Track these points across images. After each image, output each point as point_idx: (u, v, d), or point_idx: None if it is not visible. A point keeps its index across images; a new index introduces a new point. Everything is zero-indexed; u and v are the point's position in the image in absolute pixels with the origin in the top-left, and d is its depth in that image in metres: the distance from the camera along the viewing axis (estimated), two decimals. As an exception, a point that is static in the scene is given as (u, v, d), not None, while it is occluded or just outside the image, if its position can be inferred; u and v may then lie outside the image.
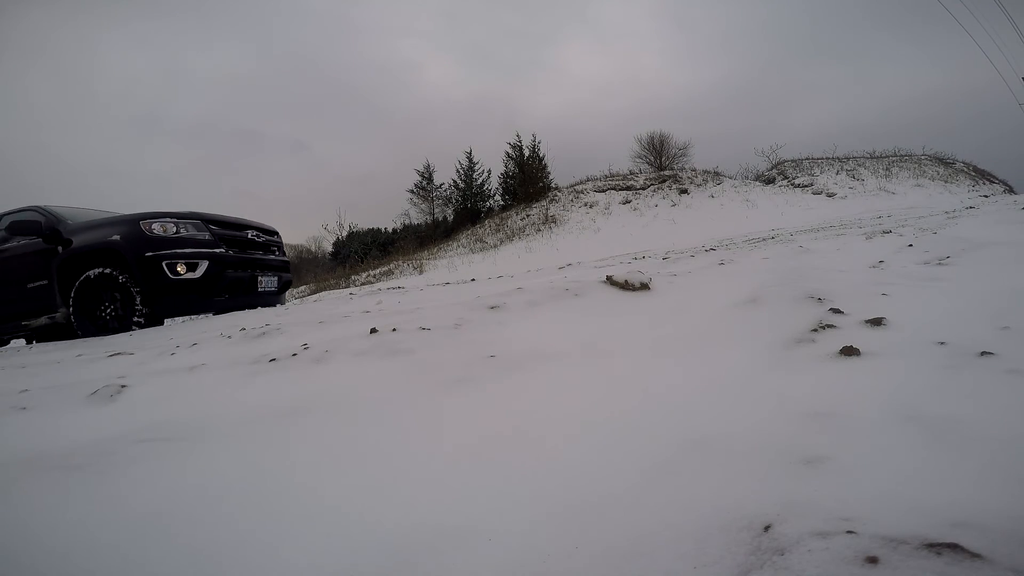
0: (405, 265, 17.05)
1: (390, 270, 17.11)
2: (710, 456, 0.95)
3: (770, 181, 18.95)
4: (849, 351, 1.28)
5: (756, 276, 2.27)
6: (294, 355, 1.71)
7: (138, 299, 4.13)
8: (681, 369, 1.41)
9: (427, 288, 3.60)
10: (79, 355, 2.45)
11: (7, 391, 1.64)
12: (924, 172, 17.57)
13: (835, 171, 18.05)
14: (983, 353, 1.17)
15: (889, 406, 1.01)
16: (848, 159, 19.09)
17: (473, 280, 4.14)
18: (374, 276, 16.65)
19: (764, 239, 5.90)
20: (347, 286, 15.24)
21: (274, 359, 1.70)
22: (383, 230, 26.34)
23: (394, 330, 1.86)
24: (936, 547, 0.57)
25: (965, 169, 18.26)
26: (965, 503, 0.68)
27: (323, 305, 4.01)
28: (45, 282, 4.17)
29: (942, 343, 1.28)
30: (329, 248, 27.52)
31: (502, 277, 3.63)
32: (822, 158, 19.50)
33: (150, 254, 4.11)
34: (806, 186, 17.52)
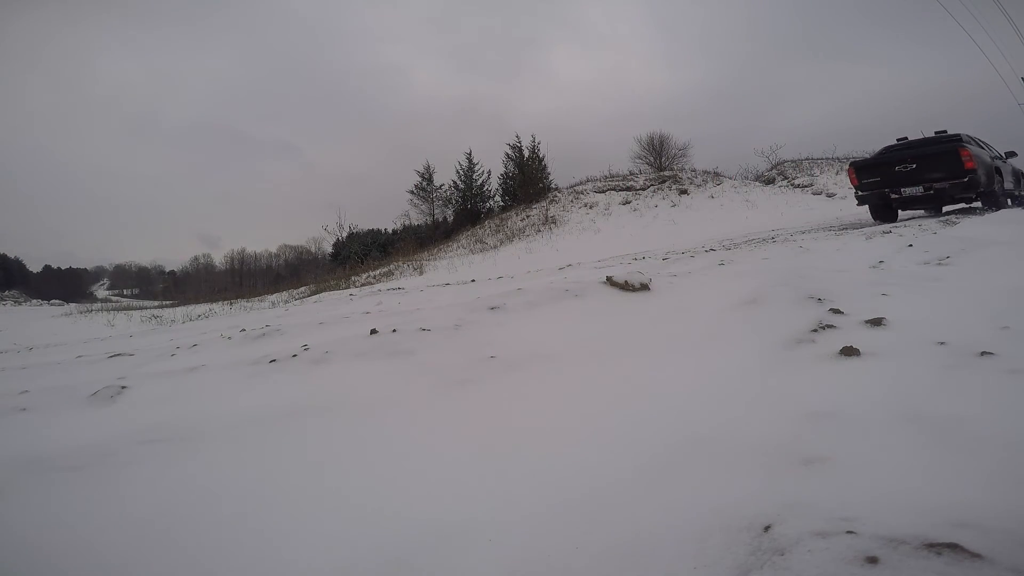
0: (405, 266, 17.03)
1: (390, 271, 17.08)
2: (710, 456, 0.95)
3: (770, 181, 18.93)
4: (849, 351, 1.28)
5: (756, 276, 2.27)
6: (294, 356, 1.71)
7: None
8: (681, 369, 1.41)
9: (427, 289, 3.60)
10: (79, 356, 2.45)
11: (8, 392, 1.63)
12: (924, 172, 17.52)
13: (835, 171, 18.02)
14: (983, 353, 1.16)
15: (889, 406, 1.01)
16: (848, 159, 19.07)
17: (473, 281, 4.14)
18: (374, 277, 16.61)
19: (764, 239, 5.90)
20: (347, 287, 15.20)
21: (274, 360, 1.70)
22: (383, 231, 26.34)
23: (394, 331, 1.86)
24: (936, 547, 0.57)
25: (965, 169, 18.22)
26: (965, 503, 0.68)
27: (323, 306, 4.00)
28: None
29: (942, 343, 1.28)
30: (329, 249, 27.52)
31: (502, 278, 3.63)
32: (822, 158, 19.45)
33: None
34: (806, 186, 17.51)
